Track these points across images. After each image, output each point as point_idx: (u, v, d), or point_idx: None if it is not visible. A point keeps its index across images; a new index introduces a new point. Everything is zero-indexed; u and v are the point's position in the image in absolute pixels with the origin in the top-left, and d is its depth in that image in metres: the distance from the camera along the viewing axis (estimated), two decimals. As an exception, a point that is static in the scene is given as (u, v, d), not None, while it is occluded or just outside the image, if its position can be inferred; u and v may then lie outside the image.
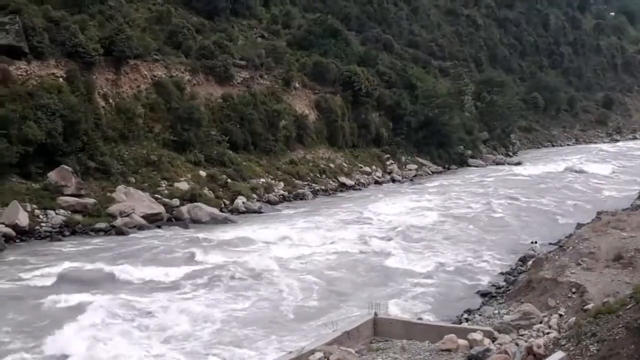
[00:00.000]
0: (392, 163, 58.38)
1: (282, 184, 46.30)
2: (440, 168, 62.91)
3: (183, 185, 39.80)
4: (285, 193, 45.38)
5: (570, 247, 25.50)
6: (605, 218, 30.74)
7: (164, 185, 39.31)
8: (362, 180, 53.12)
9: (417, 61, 76.92)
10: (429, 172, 60.81)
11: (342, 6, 75.54)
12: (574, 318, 17.27)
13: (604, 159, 73.51)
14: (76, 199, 34.17)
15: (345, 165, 54.32)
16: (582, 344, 13.59)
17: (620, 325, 13.20)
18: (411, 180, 56.86)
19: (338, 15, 71.79)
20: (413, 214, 39.68)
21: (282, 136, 50.34)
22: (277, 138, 49.76)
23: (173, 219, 36.60)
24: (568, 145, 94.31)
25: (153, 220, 35.40)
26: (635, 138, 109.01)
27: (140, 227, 34.16)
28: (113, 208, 34.66)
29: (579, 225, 32.16)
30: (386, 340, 16.08)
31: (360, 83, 57.88)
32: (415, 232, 34.94)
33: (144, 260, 27.77)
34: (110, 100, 41.00)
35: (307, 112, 54.42)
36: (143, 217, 35.04)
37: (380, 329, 16.64)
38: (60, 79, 38.34)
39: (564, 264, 23.10)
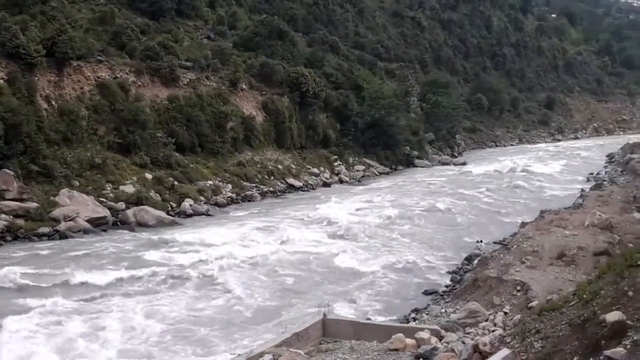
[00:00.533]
0: (339, 164, 58.60)
1: (230, 185, 46.04)
2: (387, 169, 63.39)
3: (128, 189, 39.20)
4: (234, 195, 45.16)
5: (515, 246, 25.99)
6: (549, 217, 31.45)
7: (109, 188, 38.67)
8: (310, 182, 53.18)
9: (363, 62, 77.45)
10: (376, 173, 61.24)
11: (288, 7, 75.52)
12: (519, 315, 17.56)
13: (547, 158, 75.01)
14: (18, 203, 33.30)
15: (294, 166, 54.32)
16: (526, 341, 13.80)
17: (564, 322, 13.43)
18: (359, 181, 57.19)
19: (284, 16, 71.77)
20: (361, 214, 39.88)
21: (230, 138, 50.01)
22: (225, 140, 49.44)
23: (119, 223, 36.07)
24: (512, 145, 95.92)
25: (98, 224, 34.81)
26: (576, 138, 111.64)
27: (85, 232, 33.57)
28: (56, 212, 33.93)
29: (523, 224, 32.63)
30: (335, 341, 16.14)
31: (307, 84, 57.96)
32: (363, 232, 35.12)
33: (88, 264, 27.27)
34: (53, 103, 40.12)
35: (255, 113, 54.21)
36: (88, 221, 34.41)
37: (329, 329, 16.70)
38: (1, 81, 37.28)
39: (508, 263, 23.53)
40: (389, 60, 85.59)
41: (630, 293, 12.25)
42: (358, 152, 62.75)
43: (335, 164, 58.45)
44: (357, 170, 59.52)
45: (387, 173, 62.27)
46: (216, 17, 65.89)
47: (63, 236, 32.44)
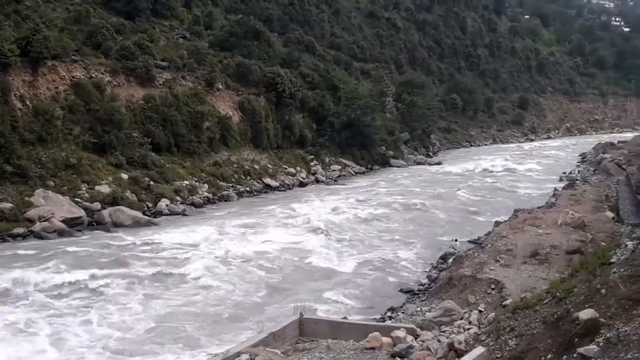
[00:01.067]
0: (316, 164, 58.69)
1: (206, 185, 45.95)
2: (363, 168, 63.62)
3: (104, 189, 39.00)
4: (210, 195, 45.09)
5: (489, 245, 26.28)
6: (522, 216, 31.82)
7: (84, 188, 38.44)
8: (286, 182, 53.21)
9: (339, 63, 77.52)
10: (352, 172, 61.44)
11: (264, 8, 75.34)
12: (493, 314, 17.78)
13: (521, 158, 75.76)
14: (-8, 204, 33.12)
15: (270, 166, 54.32)
16: (501, 338, 14.01)
17: (538, 320, 13.65)
18: (335, 180, 57.34)
19: (260, 16, 71.61)
20: (338, 213, 40.03)
21: (206, 138, 49.89)
22: (201, 139, 49.32)
23: (94, 223, 35.90)
24: (486, 145, 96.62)
25: (73, 225, 34.62)
26: (549, 137, 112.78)
27: (61, 232, 33.36)
28: (31, 213, 33.72)
29: (497, 223, 32.92)
30: (312, 340, 16.24)
31: (283, 84, 57.98)
32: (340, 231, 35.37)
33: (64, 264, 27.09)
34: (27, 102, 39.75)
35: (231, 113, 54.12)
36: (63, 221, 34.21)
37: (306, 329, 16.80)
38: (-26, 81, 37.01)
39: (483, 261, 23.79)
40: (364, 61, 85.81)
41: (602, 291, 12.50)
42: (334, 152, 62.89)
43: (312, 163, 58.51)
44: (334, 170, 59.67)
45: (363, 173, 62.49)
46: (192, 17, 65.58)
47: (38, 237, 32.30)
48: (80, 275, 25.62)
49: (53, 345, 19.35)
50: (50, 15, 48.44)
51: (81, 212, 35.80)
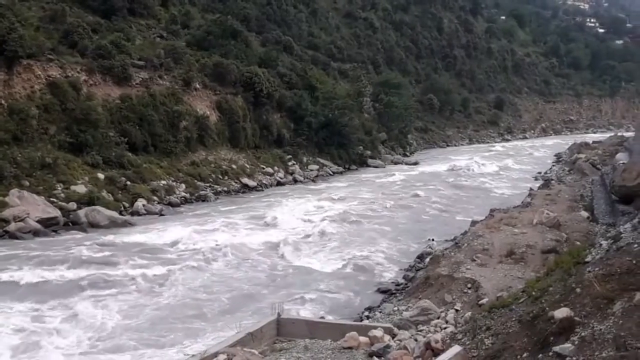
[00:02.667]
0: (294, 164, 58.66)
1: (183, 185, 45.77)
2: (341, 168, 63.67)
3: (80, 189, 38.70)
4: (187, 195, 44.90)
5: (466, 244, 26.41)
6: (498, 215, 31.99)
7: (60, 188, 38.10)
8: (264, 181, 53.13)
9: (316, 63, 77.64)
10: (330, 172, 61.49)
11: (242, 7, 75.12)
12: (470, 313, 17.92)
13: (497, 157, 76.31)
14: (-34, 204, 32.75)
15: (248, 166, 54.21)
16: (477, 337, 14.14)
17: (514, 319, 13.79)
18: (313, 180, 57.35)
19: (238, 16, 71.39)
20: (315, 213, 40.11)
21: (183, 137, 49.66)
22: (178, 139, 49.09)
23: (70, 223, 35.59)
24: (462, 145, 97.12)
25: (49, 225, 34.30)
26: (525, 138, 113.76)
27: (36, 232, 33.06)
28: (6, 213, 33.34)
29: (474, 223, 33.03)
30: (290, 340, 16.29)
31: (261, 84, 57.90)
32: (318, 231, 35.38)
33: (39, 265, 26.93)
34: (2, 102, 39.35)
35: (208, 113, 53.91)
36: (38, 221, 33.88)
37: (283, 329, 16.85)
38: (-52, 80, 36.56)
39: (459, 261, 23.93)
40: (342, 61, 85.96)
41: (577, 290, 12.65)
42: (312, 151, 62.90)
43: (290, 163, 58.48)
44: (311, 170, 59.67)
45: (341, 173, 62.58)
46: (169, 16, 65.18)
47: (13, 237, 31.98)
48: (50, 276, 25.53)
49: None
50: (26, 14, 47.74)
51: (57, 212, 35.47)
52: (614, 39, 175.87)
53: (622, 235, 15.71)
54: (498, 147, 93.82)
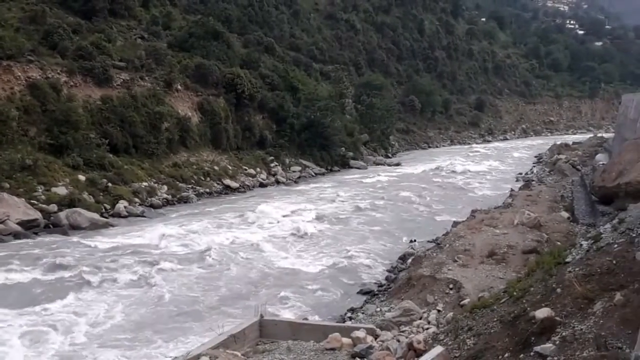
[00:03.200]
0: (276, 165, 58.64)
1: (165, 187, 45.58)
2: (323, 170, 63.73)
3: (61, 190, 38.41)
4: (169, 196, 44.71)
5: (447, 245, 26.55)
6: (480, 216, 32.16)
7: (40, 190, 37.79)
8: (247, 183, 53.06)
9: (298, 64, 77.71)
10: (313, 173, 61.53)
11: (223, 8, 75.04)
12: (452, 313, 18.00)
13: (478, 158, 76.77)
14: (-55, 206, 32.41)
15: (230, 167, 54.11)
16: (459, 338, 14.22)
17: (495, 319, 13.88)
18: (295, 182, 57.35)
19: (219, 17, 71.28)
20: (299, 214, 40.11)
21: (165, 139, 49.48)
22: (160, 141, 48.89)
23: (51, 225, 35.30)
24: (444, 146, 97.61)
25: (29, 227, 33.98)
26: (506, 139, 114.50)
27: (16, 235, 32.73)
28: (-14, 215, 33.09)
29: (455, 223, 33.24)
30: (272, 342, 16.28)
31: (243, 85, 57.90)
32: (301, 232, 35.39)
33: (19, 268, 26.73)
34: (-18, 103, 39.09)
35: (190, 114, 53.77)
36: (19, 223, 33.56)
37: (266, 330, 16.84)
38: None
39: (441, 261, 24.04)
40: (323, 62, 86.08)
41: (558, 290, 12.76)
42: (294, 153, 62.92)
43: (272, 165, 58.45)
44: (294, 171, 59.67)
45: (323, 174, 62.63)
46: (150, 17, 64.95)
47: (-7, 239, 31.66)
48: (30, 278, 25.43)
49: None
50: (6, 15, 47.50)
51: (37, 214, 35.18)
52: (594, 41, 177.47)
53: (602, 235, 15.85)
54: (479, 148, 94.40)
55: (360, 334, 15.72)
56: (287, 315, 22.21)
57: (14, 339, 19.74)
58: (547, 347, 10.99)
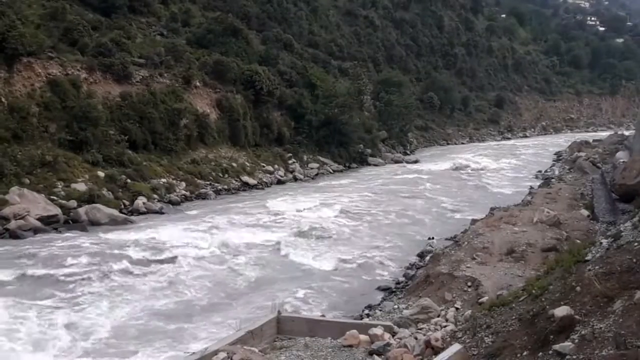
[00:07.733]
0: (294, 162, 58.65)
1: (183, 183, 45.74)
2: (341, 167, 63.67)
3: (80, 186, 38.72)
4: (187, 193, 44.86)
5: (466, 242, 26.41)
6: (498, 214, 32.02)
7: (60, 186, 38.11)
8: (264, 180, 53.13)
9: (317, 61, 77.65)
10: (330, 170, 61.49)
11: (242, 5, 75.06)
12: (470, 311, 17.89)
13: (497, 156, 76.26)
14: (-34, 201, 32.76)
15: (248, 164, 54.20)
16: (477, 336, 14.12)
17: (514, 317, 13.77)
18: (313, 178, 57.35)
19: (238, 14, 71.34)
20: (317, 211, 40.12)
21: (183, 135, 49.72)
22: (178, 137, 49.12)
23: (70, 221, 35.59)
24: (462, 143, 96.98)
25: (49, 223, 34.28)
26: (525, 136, 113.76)
27: (36, 230, 33.04)
28: (6, 211, 33.34)
29: (474, 221, 33.01)
30: (290, 338, 16.29)
31: (261, 82, 57.94)
32: (319, 229, 35.35)
33: (40, 263, 26.98)
34: (3, 99, 39.34)
35: (209, 111, 53.93)
36: (39, 219, 33.88)
37: (283, 327, 16.84)
38: (-52, 77, 36.53)
39: (459, 259, 23.91)
40: (342, 59, 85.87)
41: (577, 288, 12.63)
42: (312, 150, 62.91)
43: (290, 161, 58.48)
44: (312, 168, 59.67)
45: (341, 171, 62.56)
46: (169, 14, 65.22)
47: (13, 235, 31.96)
48: (53, 273, 25.57)
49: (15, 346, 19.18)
50: (26, 12, 47.87)
51: (57, 210, 35.48)
52: (615, 38, 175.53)
53: (623, 233, 15.67)
54: (498, 145, 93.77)
55: (378, 331, 15.67)
56: (305, 311, 22.21)
57: (27, 334, 19.89)
58: (566, 345, 10.88)
